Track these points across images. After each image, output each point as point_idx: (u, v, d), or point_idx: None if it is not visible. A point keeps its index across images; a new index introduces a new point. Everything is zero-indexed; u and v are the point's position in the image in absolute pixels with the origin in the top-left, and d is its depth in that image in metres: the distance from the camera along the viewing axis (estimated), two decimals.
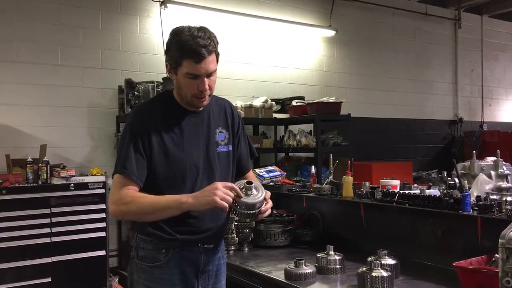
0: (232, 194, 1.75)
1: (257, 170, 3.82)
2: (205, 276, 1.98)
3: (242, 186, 1.80)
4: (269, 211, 1.87)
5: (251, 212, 1.78)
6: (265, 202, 1.82)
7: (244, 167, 2.17)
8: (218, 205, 1.71)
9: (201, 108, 1.99)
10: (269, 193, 1.87)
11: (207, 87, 1.86)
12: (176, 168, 1.89)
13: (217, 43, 1.89)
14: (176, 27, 1.89)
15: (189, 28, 1.85)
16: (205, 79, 1.85)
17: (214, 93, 2.10)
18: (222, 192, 1.73)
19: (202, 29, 1.85)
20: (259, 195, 1.81)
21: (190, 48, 1.80)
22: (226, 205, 1.72)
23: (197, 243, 1.94)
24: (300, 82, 6.39)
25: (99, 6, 5.04)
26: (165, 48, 1.94)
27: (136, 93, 4.75)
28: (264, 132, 5.77)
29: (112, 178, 1.91)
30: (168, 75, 1.99)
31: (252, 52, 6.02)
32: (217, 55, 1.90)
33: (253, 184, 1.81)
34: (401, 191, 2.86)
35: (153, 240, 1.91)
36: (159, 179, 1.88)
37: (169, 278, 1.91)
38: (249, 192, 1.79)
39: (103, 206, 4.21)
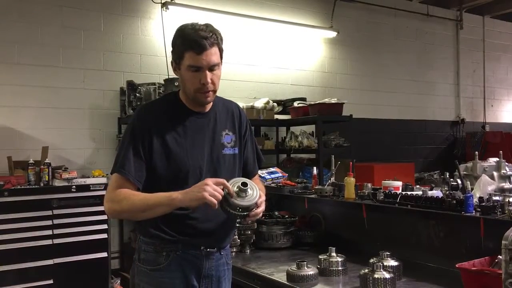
0: (221, 191, 1.72)
1: (258, 172, 3.81)
2: (207, 281, 1.93)
3: (236, 188, 1.75)
4: (258, 216, 1.84)
5: (243, 214, 1.76)
6: (256, 206, 1.79)
7: (250, 171, 2.13)
8: (207, 201, 1.68)
9: (207, 109, 1.97)
10: (263, 197, 1.84)
11: (209, 80, 1.83)
12: (178, 169, 1.86)
13: (221, 39, 1.88)
14: (182, 24, 1.89)
15: (193, 23, 1.86)
16: (207, 72, 1.83)
17: (219, 95, 2.09)
18: (212, 188, 1.70)
19: (205, 24, 1.86)
20: (254, 196, 1.77)
21: (192, 39, 1.81)
22: (215, 201, 1.69)
23: (199, 245, 1.91)
24: (301, 83, 6.39)
25: (100, 8, 5.05)
26: (171, 47, 1.93)
27: (137, 94, 4.76)
28: (266, 133, 5.77)
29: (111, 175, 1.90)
30: (174, 73, 1.98)
31: (253, 53, 6.02)
32: (221, 50, 1.88)
33: (248, 186, 1.77)
34: (403, 192, 2.85)
35: (154, 242, 1.88)
36: (161, 180, 1.86)
37: (170, 282, 1.87)
38: (243, 194, 1.75)
39: None
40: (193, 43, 1.80)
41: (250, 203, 1.76)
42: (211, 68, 1.84)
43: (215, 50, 1.84)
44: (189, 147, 1.90)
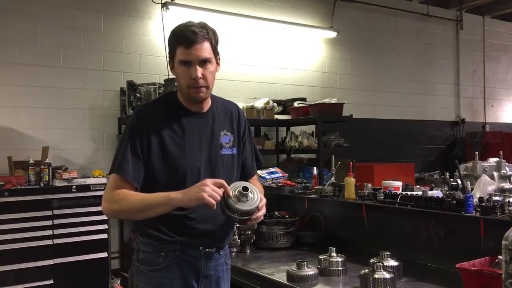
0: (220, 192, 1.71)
1: (259, 172, 3.81)
2: (206, 281, 1.93)
3: (237, 192, 1.75)
4: (259, 220, 1.84)
5: (244, 218, 1.76)
6: (257, 210, 1.78)
7: (249, 172, 2.13)
8: (205, 201, 1.67)
9: (206, 109, 1.97)
10: (264, 201, 1.84)
11: (199, 74, 1.82)
12: (176, 169, 1.86)
13: (215, 36, 1.88)
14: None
15: (187, 21, 1.88)
16: (198, 67, 1.82)
17: (219, 95, 2.09)
18: (210, 189, 1.69)
19: (199, 22, 1.87)
20: (254, 199, 1.77)
21: (181, 34, 1.83)
22: (214, 202, 1.68)
23: (198, 246, 1.90)
24: (301, 84, 6.39)
25: (100, 8, 5.05)
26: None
27: (137, 94, 4.76)
28: (266, 133, 5.77)
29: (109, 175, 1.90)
30: (172, 73, 1.99)
31: (253, 53, 6.02)
32: (213, 46, 1.87)
33: (249, 190, 1.76)
34: (403, 193, 2.85)
35: (153, 242, 1.88)
36: (159, 180, 1.86)
37: (169, 282, 1.87)
38: (244, 199, 1.74)
39: None
40: (183, 37, 1.82)
41: (251, 208, 1.75)
42: (202, 62, 1.83)
43: (206, 45, 1.83)
44: (187, 147, 1.89)
